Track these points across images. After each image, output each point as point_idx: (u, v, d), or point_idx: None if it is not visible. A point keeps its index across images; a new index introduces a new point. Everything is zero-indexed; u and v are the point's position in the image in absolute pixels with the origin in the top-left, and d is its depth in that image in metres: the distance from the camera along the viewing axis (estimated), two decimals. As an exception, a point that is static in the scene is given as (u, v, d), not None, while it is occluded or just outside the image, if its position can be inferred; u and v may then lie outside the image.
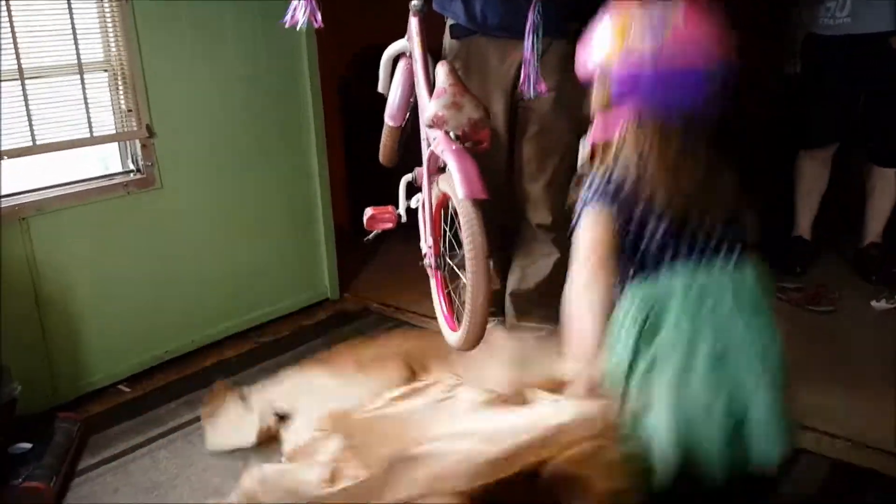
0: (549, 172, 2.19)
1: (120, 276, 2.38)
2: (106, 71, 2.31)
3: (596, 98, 1.31)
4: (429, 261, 2.10)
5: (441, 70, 1.89)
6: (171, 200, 2.47)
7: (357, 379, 2.14)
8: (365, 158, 3.52)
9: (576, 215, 1.32)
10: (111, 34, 2.29)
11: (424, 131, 2.03)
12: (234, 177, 2.64)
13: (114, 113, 2.35)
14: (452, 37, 2.17)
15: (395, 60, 2.24)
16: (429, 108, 1.84)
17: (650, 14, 1.23)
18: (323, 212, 2.93)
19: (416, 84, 2.08)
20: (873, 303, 2.72)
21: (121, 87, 2.33)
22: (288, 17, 2.00)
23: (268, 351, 2.62)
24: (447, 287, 2.13)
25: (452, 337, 1.98)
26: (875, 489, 1.84)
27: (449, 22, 2.19)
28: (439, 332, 2.10)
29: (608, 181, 1.28)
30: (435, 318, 2.18)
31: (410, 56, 2.10)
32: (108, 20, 2.27)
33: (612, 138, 1.30)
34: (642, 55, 1.21)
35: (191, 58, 2.46)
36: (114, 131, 2.34)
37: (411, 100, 2.18)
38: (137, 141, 2.38)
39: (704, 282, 1.25)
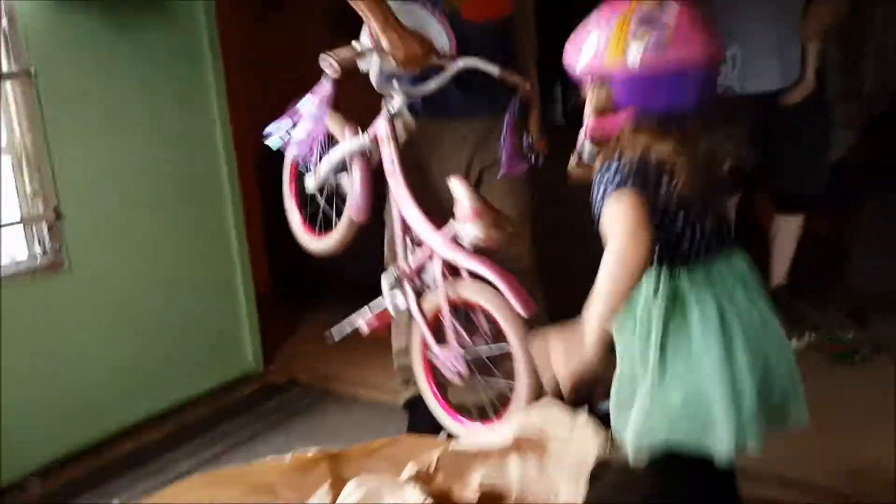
0: (527, 229, 2.24)
1: (27, 364, 2.26)
2: (9, 154, 2.25)
3: (594, 100, 1.30)
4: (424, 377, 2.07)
5: (460, 188, 1.86)
6: (80, 283, 2.38)
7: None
8: (285, 224, 3.53)
9: (598, 202, 1.28)
10: (14, 116, 2.23)
11: (399, 229, 2.03)
12: (148, 255, 2.57)
13: (19, 196, 2.27)
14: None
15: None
16: (469, 230, 1.83)
17: (649, 16, 1.23)
18: (243, 283, 2.88)
19: (397, 198, 2.01)
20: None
21: (25, 170, 2.26)
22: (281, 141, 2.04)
23: (189, 434, 2.53)
24: (444, 392, 2.09)
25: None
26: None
27: None
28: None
29: (629, 166, 1.26)
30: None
31: (366, 156, 2.04)
32: (11, 102, 2.22)
33: (611, 136, 1.29)
34: (647, 60, 1.22)
35: (100, 137, 2.42)
36: (19, 215, 2.27)
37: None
38: (44, 223, 2.31)
39: (720, 267, 1.32)
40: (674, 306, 1.30)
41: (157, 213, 2.59)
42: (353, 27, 4.06)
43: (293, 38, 3.69)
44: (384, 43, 1.87)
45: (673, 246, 1.30)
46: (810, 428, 1.40)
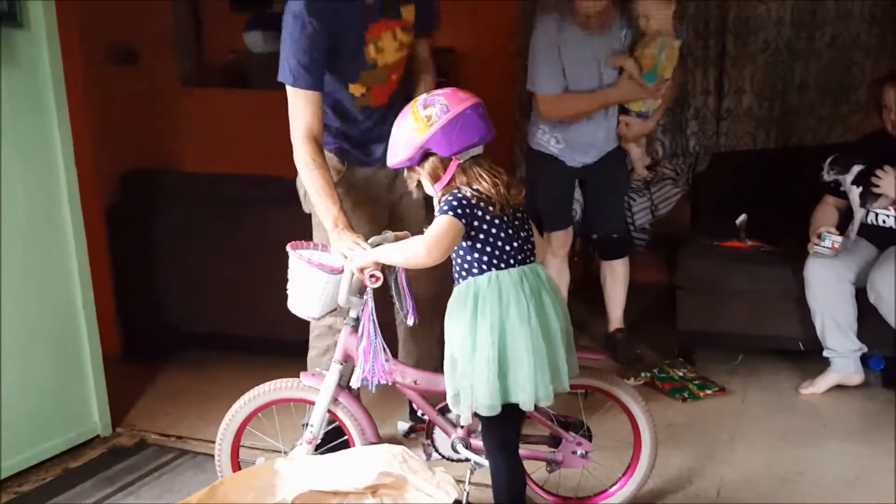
0: None
1: None
2: None
3: (431, 169, 1.80)
4: None
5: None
6: None
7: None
8: (135, 281, 3.42)
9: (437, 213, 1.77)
10: None
11: None
12: (-16, 313, 2.43)
13: None
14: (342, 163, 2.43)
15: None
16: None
17: (426, 99, 1.79)
18: (90, 344, 2.75)
19: None
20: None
21: None
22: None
23: (29, 502, 2.39)
24: None
25: None
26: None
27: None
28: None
29: (455, 199, 1.76)
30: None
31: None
32: None
33: (447, 183, 1.80)
34: (442, 117, 1.75)
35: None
36: None
37: None
38: None
39: (527, 272, 1.80)
40: (499, 300, 1.76)
41: (-5, 269, 2.46)
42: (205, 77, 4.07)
43: (145, 88, 3.65)
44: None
45: (495, 255, 1.78)
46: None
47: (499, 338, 1.76)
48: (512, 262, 1.80)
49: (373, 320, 1.96)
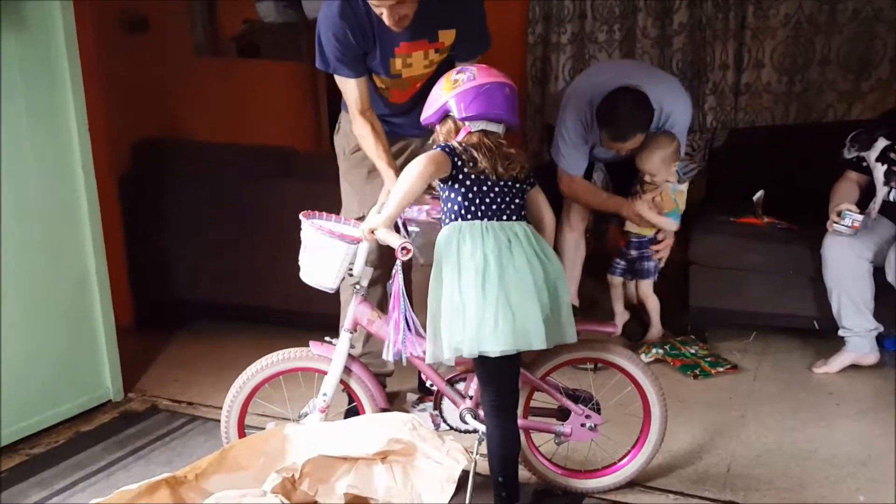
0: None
1: None
2: None
3: (446, 131, 1.92)
4: None
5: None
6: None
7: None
8: (147, 251, 3.43)
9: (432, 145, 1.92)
10: None
11: None
12: (-2, 277, 2.44)
13: None
14: None
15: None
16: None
17: (462, 68, 1.93)
18: (102, 309, 2.77)
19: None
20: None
21: None
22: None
23: (40, 463, 2.41)
24: None
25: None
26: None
27: None
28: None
29: (444, 143, 1.88)
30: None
31: None
32: None
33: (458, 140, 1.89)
34: (468, 83, 1.86)
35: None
36: None
37: None
38: None
39: (496, 226, 1.84)
40: (457, 248, 1.82)
41: (8, 236, 2.46)
42: (217, 46, 4.03)
43: (156, 57, 3.63)
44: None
45: (464, 206, 1.84)
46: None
47: (456, 284, 1.80)
48: (479, 214, 1.85)
49: (402, 292, 1.95)
